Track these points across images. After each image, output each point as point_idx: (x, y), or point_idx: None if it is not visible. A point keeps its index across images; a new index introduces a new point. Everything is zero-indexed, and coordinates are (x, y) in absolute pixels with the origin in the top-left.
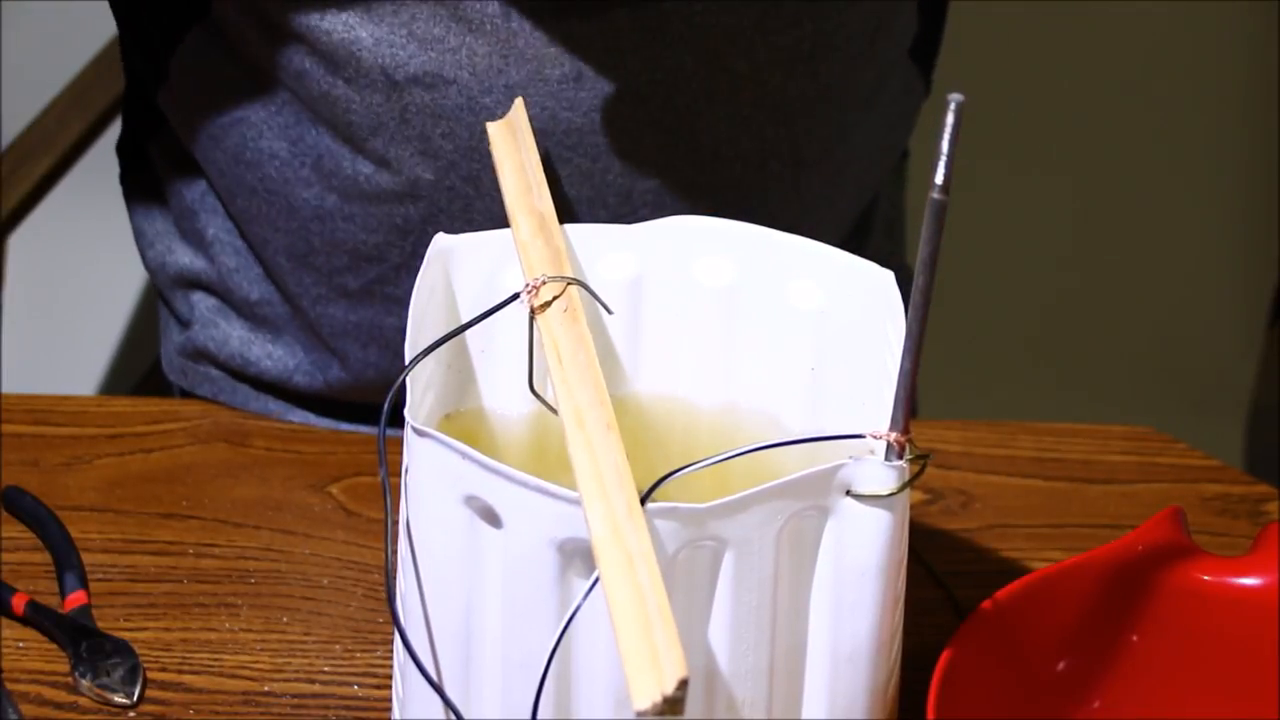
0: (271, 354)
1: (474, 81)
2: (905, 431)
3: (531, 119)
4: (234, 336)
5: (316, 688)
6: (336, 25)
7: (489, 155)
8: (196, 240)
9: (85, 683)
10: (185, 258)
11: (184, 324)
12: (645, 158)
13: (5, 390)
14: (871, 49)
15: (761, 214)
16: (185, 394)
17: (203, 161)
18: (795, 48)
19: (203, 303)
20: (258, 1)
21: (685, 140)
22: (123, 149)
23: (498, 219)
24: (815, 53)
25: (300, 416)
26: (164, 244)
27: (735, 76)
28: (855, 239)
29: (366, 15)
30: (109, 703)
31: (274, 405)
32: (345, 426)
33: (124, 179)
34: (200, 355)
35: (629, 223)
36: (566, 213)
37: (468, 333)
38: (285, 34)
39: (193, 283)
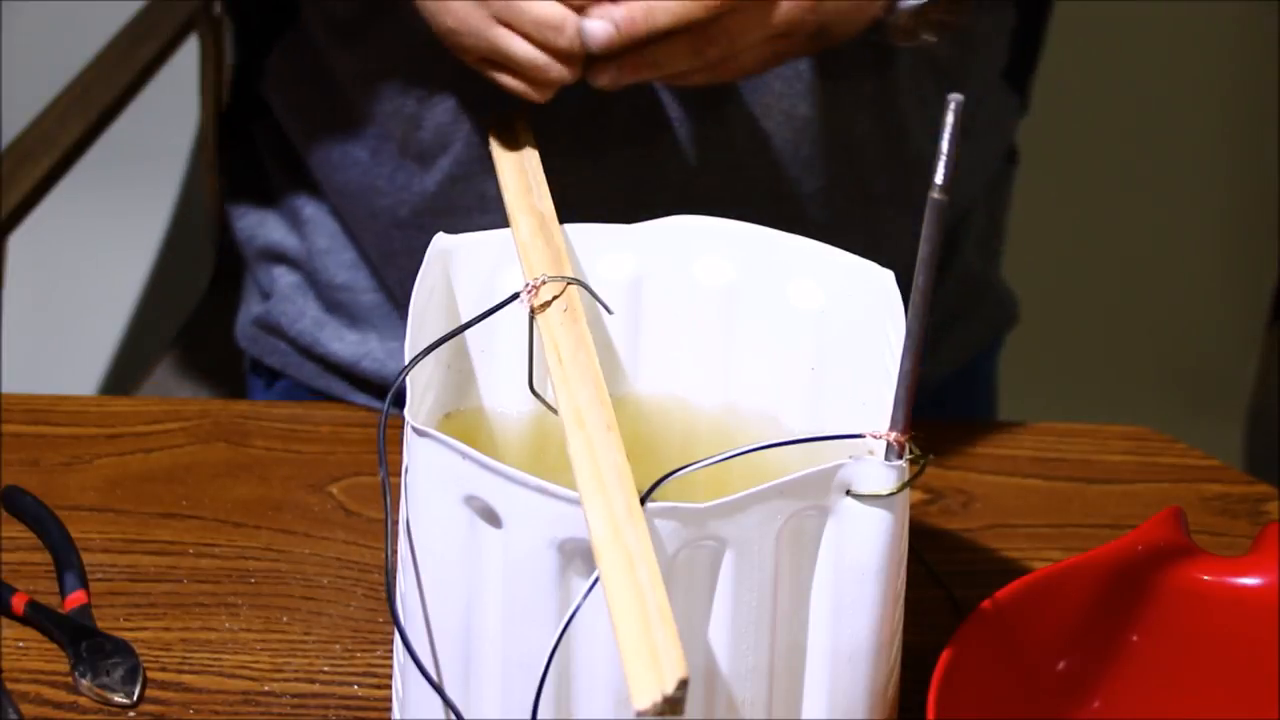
0: (344, 337)
1: (541, 108)
2: (905, 431)
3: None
4: (308, 315)
5: (316, 688)
6: (411, 44)
7: (551, 168)
8: (291, 218)
9: (85, 683)
10: (277, 233)
11: (264, 295)
12: (705, 196)
13: (5, 390)
14: (948, 88)
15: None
16: (255, 363)
17: (301, 151)
18: (856, 91)
19: (284, 278)
20: (338, 16)
21: (745, 180)
22: (226, 120)
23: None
24: (880, 97)
25: (364, 400)
26: (256, 217)
27: (795, 120)
28: (943, 256)
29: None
30: (109, 703)
31: (338, 386)
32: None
33: (222, 148)
34: (272, 329)
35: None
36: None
37: (468, 333)
38: (363, 49)
39: (279, 258)
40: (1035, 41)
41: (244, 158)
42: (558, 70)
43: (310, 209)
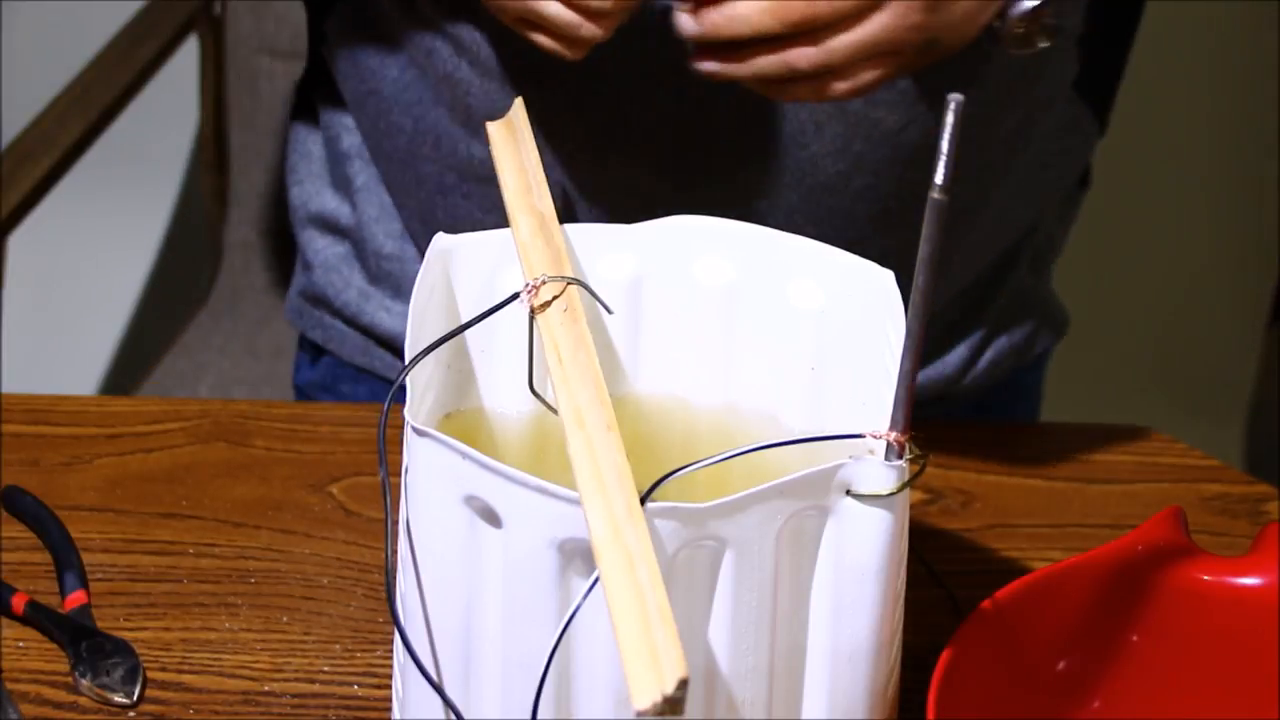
0: (390, 309)
1: (581, 83)
2: (905, 431)
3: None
4: (354, 286)
5: (316, 688)
6: (462, 10)
7: (597, 149)
8: (344, 186)
9: (85, 683)
10: (331, 202)
11: (307, 266)
12: (751, 182)
13: (5, 390)
14: (1013, 93)
15: (875, 252)
16: (302, 338)
17: (354, 116)
18: (910, 90)
19: (329, 249)
20: None
21: (791, 168)
22: (300, 88)
23: (605, 211)
24: (934, 95)
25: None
26: (313, 185)
27: (845, 113)
28: (996, 273)
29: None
30: (109, 703)
31: (380, 361)
32: None
33: (294, 114)
34: (318, 300)
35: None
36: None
37: (468, 333)
38: (420, 11)
39: (329, 226)
40: (1117, 58)
41: (307, 124)
42: (589, 29)
43: (362, 177)
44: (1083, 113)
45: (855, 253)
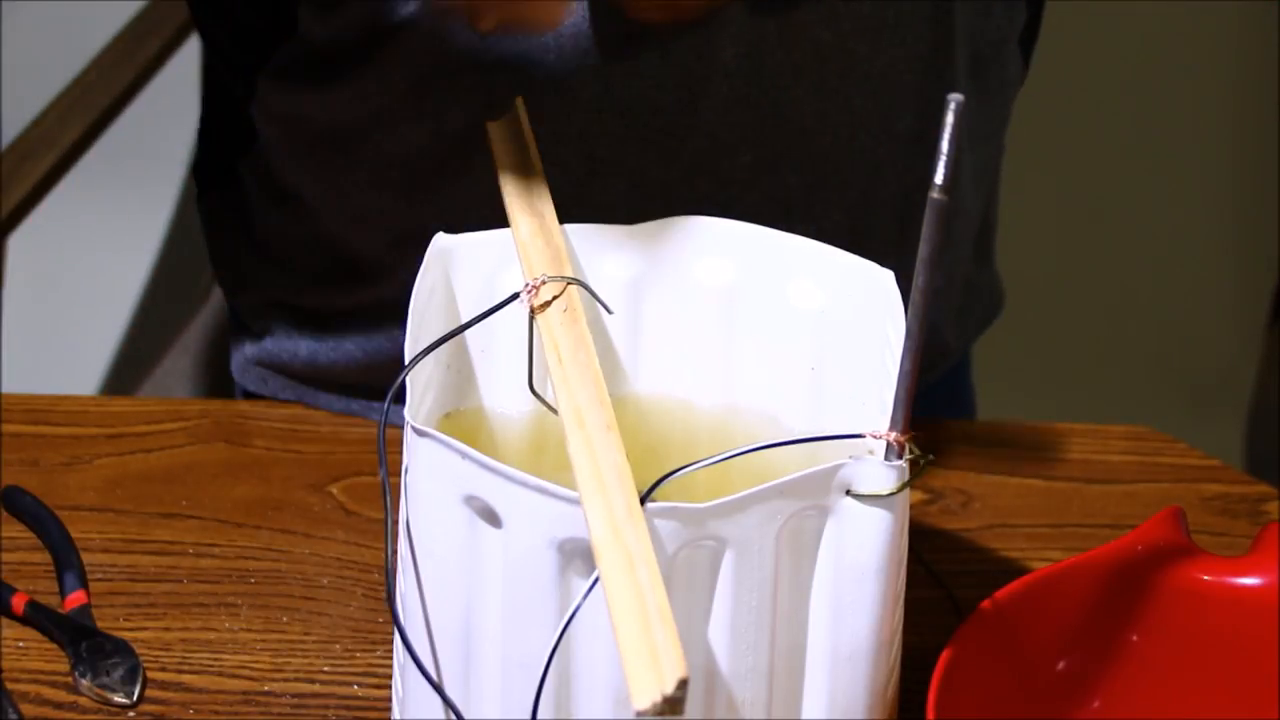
0: (345, 348)
1: (560, 64)
2: (905, 431)
3: (617, 100)
4: (303, 347)
5: (316, 688)
6: (428, 13)
7: (587, 140)
8: (280, 259)
9: (85, 683)
10: (264, 275)
11: (257, 336)
12: (734, 134)
13: (5, 390)
14: (969, 30)
15: (853, 191)
16: (249, 394)
17: (296, 172)
18: (878, 16)
19: (278, 319)
20: (349, 7)
21: (773, 113)
22: (199, 170)
23: (587, 210)
24: (900, 22)
25: (359, 406)
26: (245, 265)
27: (820, 46)
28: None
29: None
30: (109, 703)
31: (340, 402)
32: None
33: (200, 200)
34: (271, 365)
35: (719, 202)
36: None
37: (468, 333)
38: (381, 33)
39: (273, 303)
40: (1037, 6)
41: (223, 204)
42: None
43: (292, 241)
44: (1017, 60)
45: (833, 200)
